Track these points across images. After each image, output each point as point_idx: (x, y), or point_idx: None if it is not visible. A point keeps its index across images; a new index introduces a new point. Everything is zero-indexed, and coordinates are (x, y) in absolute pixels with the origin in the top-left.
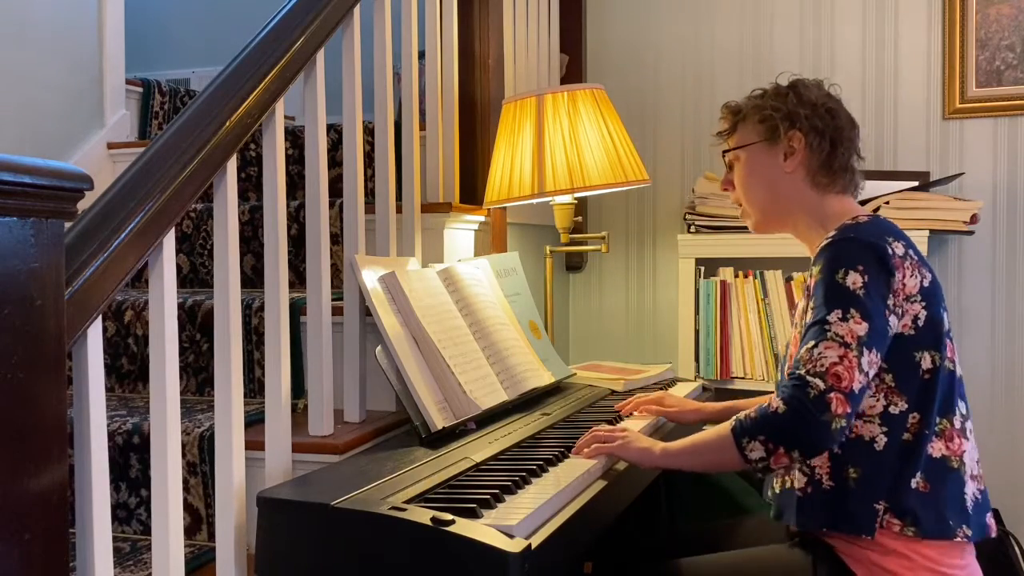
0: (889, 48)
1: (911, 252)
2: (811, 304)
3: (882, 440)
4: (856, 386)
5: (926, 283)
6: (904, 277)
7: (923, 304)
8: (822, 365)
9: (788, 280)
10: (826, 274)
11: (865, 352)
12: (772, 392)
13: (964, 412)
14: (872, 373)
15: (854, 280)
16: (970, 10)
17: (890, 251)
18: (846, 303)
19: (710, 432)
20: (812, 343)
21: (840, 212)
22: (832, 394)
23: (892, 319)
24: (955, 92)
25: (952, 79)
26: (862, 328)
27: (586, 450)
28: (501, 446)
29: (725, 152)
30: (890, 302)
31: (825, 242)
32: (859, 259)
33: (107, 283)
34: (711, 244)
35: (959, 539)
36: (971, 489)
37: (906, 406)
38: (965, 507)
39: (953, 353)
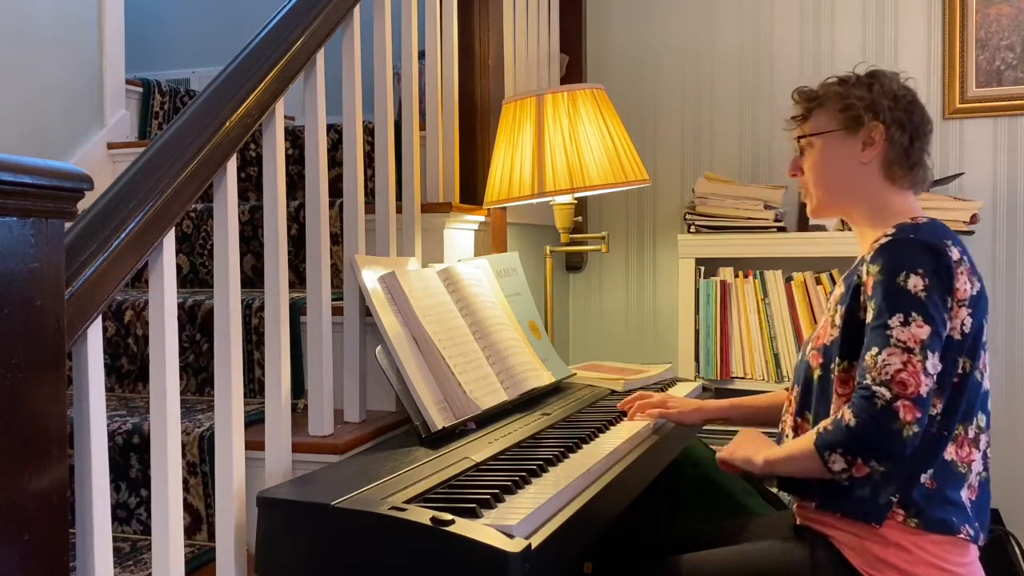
0: (889, 48)
1: (965, 258)
2: (870, 305)
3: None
4: (923, 390)
5: (974, 291)
6: (959, 282)
7: (969, 311)
8: (887, 373)
9: (788, 280)
10: (886, 276)
11: (929, 355)
12: (770, 391)
13: (983, 425)
14: (935, 376)
15: (915, 283)
16: (970, 10)
17: (948, 253)
18: (907, 306)
19: (799, 443)
20: (876, 349)
21: (901, 210)
22: (899, 402)
23: (948, 320)
24: (955, 92)
25: (952, 79)
26: (924, 331)
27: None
28: (501, 446)
29: (800, 137)
30: (950, 304)
31: (884, 241)
32: (919, 261)
33: (107, 283)
34: (711, 244)
35: (962, 536)
36: (964, 495)
37: (941, 408)
38: (966, 511)
39: (984, 365)
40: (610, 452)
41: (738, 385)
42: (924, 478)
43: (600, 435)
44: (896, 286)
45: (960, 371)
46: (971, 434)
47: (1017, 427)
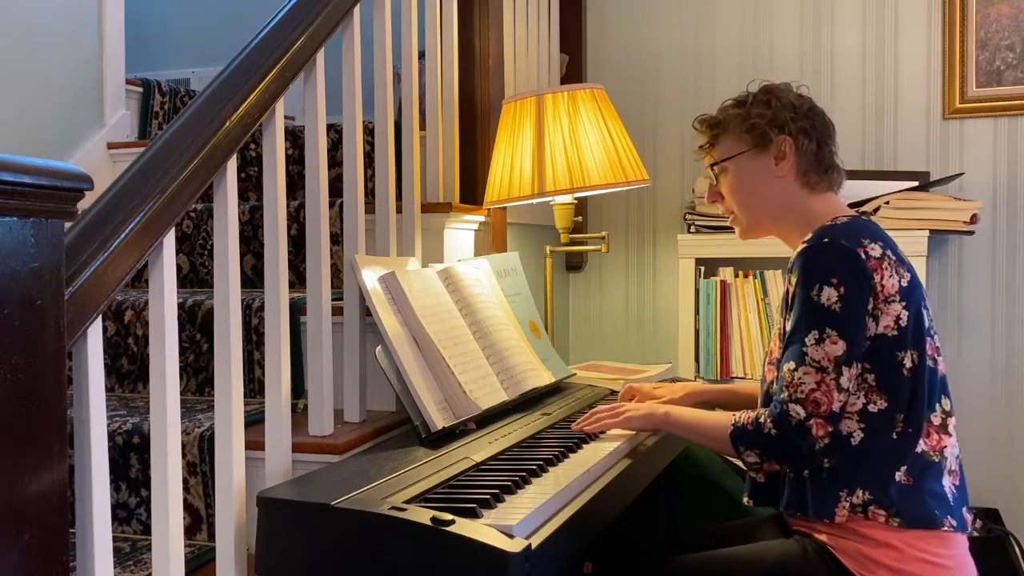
0: (889, 48)
1: (889, 253)
2: (790, 315)
3: (858, 436)
4: (836, 406)
5: (904, 283)
6: (882, 279)
7: (903, 304)
8: (802, 392)
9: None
10: (802, 289)
11: (844, 371)
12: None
13: (948, 409)
14: (853, 386)
15: (828, 296)
16: (970, 10)
17: (864, 254)
18: (821, 322)
19: (713, 420)
20: (793, 364)
21: (824, 212)
22: (812, 420)
23: (869, 323)
24: (955, 92)
25: (952, 79)
26: (839, 348)
27: (589, 426)
28: (501, 446)
29: (713, 165)
30: (867, 308)
31: (801, 247)
32: (832, 270)
33: (107, 283)
34: (711, 244)
35: (946, 529)
36: (947, 483)
37: (885, 404)
38: (947, 499)
39: (934, 351)
40: (610, 452)
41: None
42: (899, 475)
43: (600, 435)
44: (811, 301)
45: (910, 364)
46: (936, 421)
47: (1017, 427)
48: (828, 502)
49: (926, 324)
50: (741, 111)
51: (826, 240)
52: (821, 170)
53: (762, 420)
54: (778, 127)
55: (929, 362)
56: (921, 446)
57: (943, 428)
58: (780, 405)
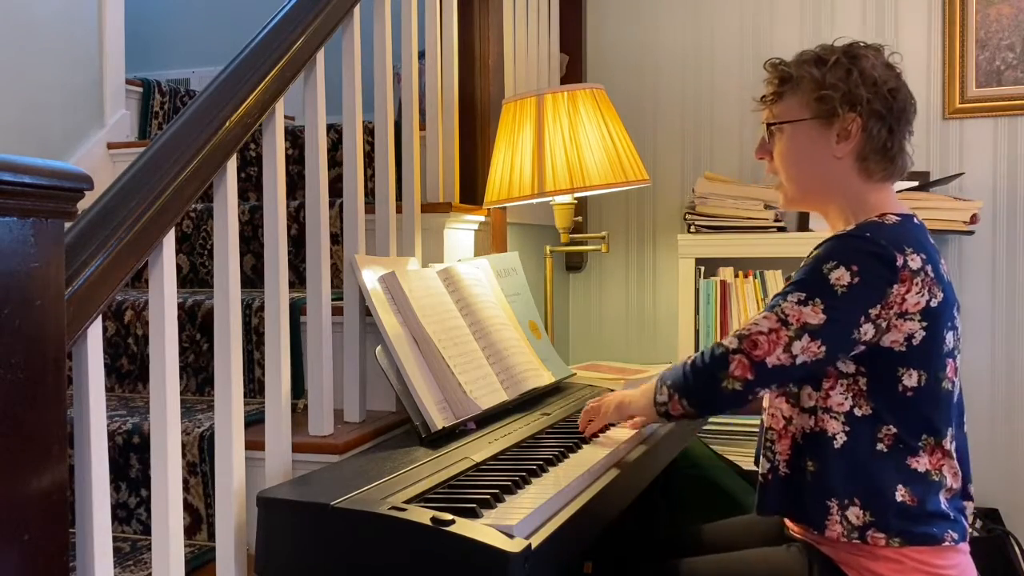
0: (889, 48)
1: (928, 268)
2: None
3: (841, 439)
4: (771, 361)
5: (934, 303)
6: (907, 292)
7: (923, 324)
8: (748, 329)
9: (788, 280)
10: (814, 261)
11: (804, 338)
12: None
13: (959, 431)
14: (805, 361)
15: (839, 276)
16: (970, 10)
17: (900, 262)
18: (816, 291)
19: (655, 380)
20: (760, 314)
21: (876, 205)
22: (738, 356)
23: (867, 327)
24: (955, 92)
25: (952, 79)
26: (816, 318)
27: (588, 430)
28: (501, 446)
29: (770, 124)
30: (873, 312)
31: (840, 232)
32: (858, 259)
33: (107, 283)
34: (711, 244)
35: (947, 543)
36: (943, 497)
37: (870, 412)
38: (947, 515)
39: (954, 373)
40: (610, 452)
41: None
42: (899, 495)
43: (600, 435)
44: (819, 272)
45: (913, 383)
46: (945, 444)
47: (1017, 427)
48: (818, 511)
49: (949, 346)
50: (817, 73)
51: (868, 235)
52: (886, 158)
53: (693, 354)
54: (850, 104)
55: (945, 384)
56: (925, 465)
57: (948, 451)
58: (720, 340)
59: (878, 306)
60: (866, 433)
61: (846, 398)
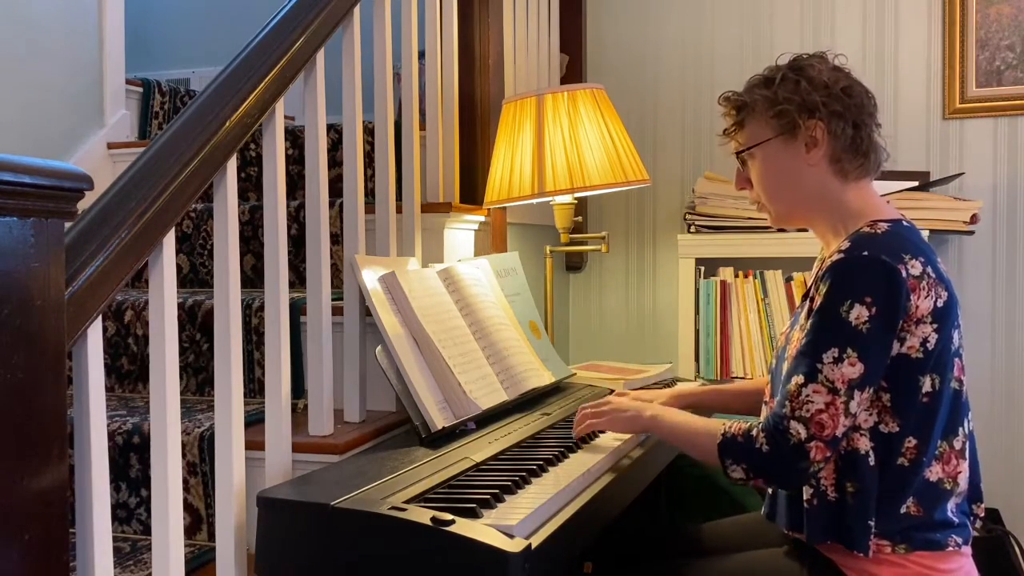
0: (889, 48)
1: (929, 270)
2: (809, 323)
3: (872, 457)
4: (839, 432)
5: (940, 303)
6: (918, 299)
7: (934, 326)
8: (807, 410)
9: (788, 280)
10: (830, 301)
11: (856, 395)
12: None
13: (968, 431)
14: (861, 409)
15: (858, 315)
16: (970, 10)
17: (905, 273)
18: (844, 341)
19: (702, 427)
20: (802, 379)
21: (860, 207)
22: (813, 443)
23: (895, 345)
24: (955, 92)
25: (952, 79)
26: (856, 371)
27: (578, 429)
28: (501, 446)
29: (739, 153)
30: (900, 326)
31: (838, 257)
32: (868, 288)
33: (107, 283)
34: (711, 244)
35: (951, 548)
36: (952, 504)
37: (897, 428)
38: (953, 523)
39: (961, 372)
40: (610, 452)
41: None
42: (905, 507)
43: (600, 435)
44: (838, 317)
45: (929, 388)
46: (957, 446)
47: (1017, 427)
48: (863, 532)
49: (955, 345)
50: (768, 93)
51: (866, 253)
52: (858, 154)
53: (754, 433)
54: (808, 111)
55: (954, 384)
56: (938, 474)
57: (962, 453)
58: (780, 421)
59: (899, 320)
60: (891, 449)
61: (871, 414)
